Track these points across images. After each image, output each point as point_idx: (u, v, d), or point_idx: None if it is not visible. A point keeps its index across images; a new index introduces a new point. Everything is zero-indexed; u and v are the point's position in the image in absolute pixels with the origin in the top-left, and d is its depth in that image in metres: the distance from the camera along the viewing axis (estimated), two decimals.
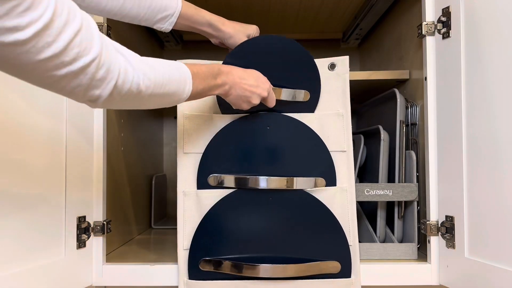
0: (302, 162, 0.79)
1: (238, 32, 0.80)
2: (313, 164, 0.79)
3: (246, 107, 0.72)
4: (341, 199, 0.79)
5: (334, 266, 0.77)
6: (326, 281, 0.77)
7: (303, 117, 0.80)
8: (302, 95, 0.80)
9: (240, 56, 0.78)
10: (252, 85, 0.70)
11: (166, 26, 0.75)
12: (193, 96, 0.62)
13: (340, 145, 0.81)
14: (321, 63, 0.83)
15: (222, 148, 0.79)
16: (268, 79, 0.74)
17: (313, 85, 0.81)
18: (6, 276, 0.63)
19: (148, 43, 1.26)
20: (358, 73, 0.97)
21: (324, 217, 0.78)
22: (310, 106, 0.81)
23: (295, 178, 0.78)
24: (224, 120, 0.80)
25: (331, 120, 0.81)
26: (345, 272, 0.77)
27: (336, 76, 0.82)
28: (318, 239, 0.78)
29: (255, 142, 0.79)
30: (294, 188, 0.78)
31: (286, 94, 0.79)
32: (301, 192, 0.78)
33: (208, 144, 0.80)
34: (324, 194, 0.79)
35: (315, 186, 0.78)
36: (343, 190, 0.79)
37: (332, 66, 0.82)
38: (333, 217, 0.78)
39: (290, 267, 0.75)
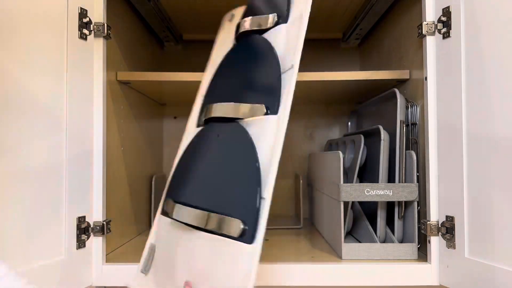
0: (250, 84, 0.69)
1: None
2: (260, 87, 0.67)
3: None
4: (274, 131, 0.62)
5: (236, 225, 0.58)
6: (226, 240, 0.59)
7: (270, 35, 0.74)
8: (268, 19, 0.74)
9: None
10: None
11: None
12: None
13: (291, 60, 0.66)
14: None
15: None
16: None
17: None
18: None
19: (148, 43, 1.26)
20: (358, 73, 0.97)
21: (246, 157, 0.62)
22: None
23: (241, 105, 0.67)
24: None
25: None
26: (248, 236, 0.56)
27: None
28: (232, 185, 0.62)
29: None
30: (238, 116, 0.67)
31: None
32: (237, 125, 0.66)
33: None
34: (260, 125, 0.64)
35: (253, 115, 0.65)
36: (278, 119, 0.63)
37: None
38: (255, 155, 0.61)
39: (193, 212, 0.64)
